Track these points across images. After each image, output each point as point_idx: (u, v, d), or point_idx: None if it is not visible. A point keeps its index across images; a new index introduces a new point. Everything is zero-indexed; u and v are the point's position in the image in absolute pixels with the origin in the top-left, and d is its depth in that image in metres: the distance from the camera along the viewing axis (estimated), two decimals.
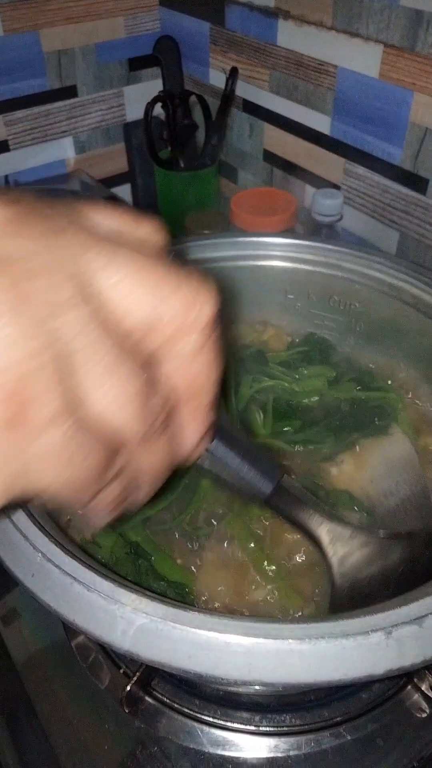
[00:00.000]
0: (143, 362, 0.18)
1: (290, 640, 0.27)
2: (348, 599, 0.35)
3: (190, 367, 0.20)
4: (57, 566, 0.30)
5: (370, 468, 0.46)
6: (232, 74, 0.88)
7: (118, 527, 0.42)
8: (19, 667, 0.47)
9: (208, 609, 0.37)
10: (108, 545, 0.42)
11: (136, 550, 0.41)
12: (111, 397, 0.17)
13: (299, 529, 0.34)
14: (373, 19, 0.68)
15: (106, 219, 0.20)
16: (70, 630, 0.48)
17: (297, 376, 0.51)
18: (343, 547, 0.34)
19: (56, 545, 0.31)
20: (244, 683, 0.26)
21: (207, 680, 0.27)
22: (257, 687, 0.36)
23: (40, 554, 0.30)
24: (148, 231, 0.21)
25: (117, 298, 0.18)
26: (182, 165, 0.94)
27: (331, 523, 0.34)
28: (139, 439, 0.19)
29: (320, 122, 0.80)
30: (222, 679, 0.27)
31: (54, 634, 0.48)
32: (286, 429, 0.48)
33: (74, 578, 0.29)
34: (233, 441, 0.27)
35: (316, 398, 0.50)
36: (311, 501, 0.34)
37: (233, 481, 0.28)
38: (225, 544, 0.42)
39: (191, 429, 0.21)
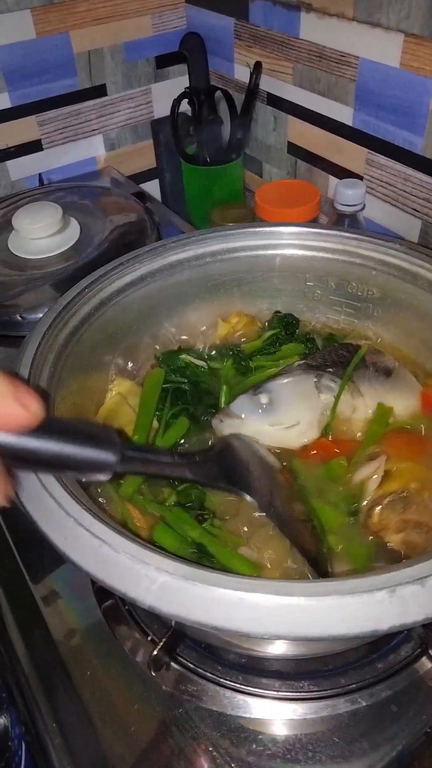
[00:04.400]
0: None
1: (300, 597, 0.29)
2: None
3: None
4: (87, 530, 0.32)
5: None
6: (256, 68, 0.90)
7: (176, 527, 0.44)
8: (56, 639, 0.50)
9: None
10: (173, 546, 0.43)
11: (200, 549, 0.43)
12: None
13: (164, 478, 0.42)
14: (393, 8, 0.68)
15: None
16: (102, 602, 0.51)
17: (273, 351, 0.56)
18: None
19: (87, 511, 0.33)
20: (256, 635, 0.29)
21: (222, 633, 0.29)
22: (271, 643, 0.38)
23: (72, 519, 0.33)
24: None
25: None
26: (208, 159, 0.96)
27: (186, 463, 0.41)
28: None
29: (342, 113, 0.81)
30: (236, 631, 0.29)
31: (88, 607, 0.51)
32: None
33: (103, 541, 0.32)
34: (60, 430, 0.30)
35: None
36: (158, 453, 0.40)
37: (75, 465, 0.31)
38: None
39: None
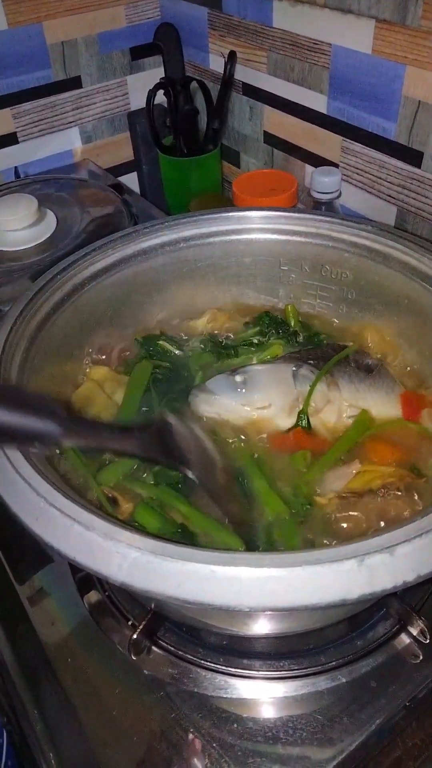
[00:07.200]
0: None
1: (270, 568, 0.29)
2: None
3: None
4: (58, 509, 0.32)
5: None
6: (231, 58, 0.90)
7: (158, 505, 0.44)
8: (37, 627, 0.50)
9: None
10: (154, 527, 0.43)
11: (183, 529, 0.43)
12: None
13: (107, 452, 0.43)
14: None
15: None
16: (83, 590, 0.51)
17: (254, 349, 0.56)
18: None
19: (57, 491, 0.33)
20: (229, 607, 0.29)
21: (196, 606, 0.29)
22: (248, 619, 0.38)
23: (42, 499, 0.33)
24: None
25: None
26: (185, 151, 0.96)
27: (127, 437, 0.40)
28: None
29: (317, 101, 0.81)
30: (209, 604, 0.29)
31: (68, 595, 0.51)
32: None
33: (74, 519, 0.32)
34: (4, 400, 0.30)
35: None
36: (99, 427, 0.40)
37: (17, 436, 0.32)
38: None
39: None
